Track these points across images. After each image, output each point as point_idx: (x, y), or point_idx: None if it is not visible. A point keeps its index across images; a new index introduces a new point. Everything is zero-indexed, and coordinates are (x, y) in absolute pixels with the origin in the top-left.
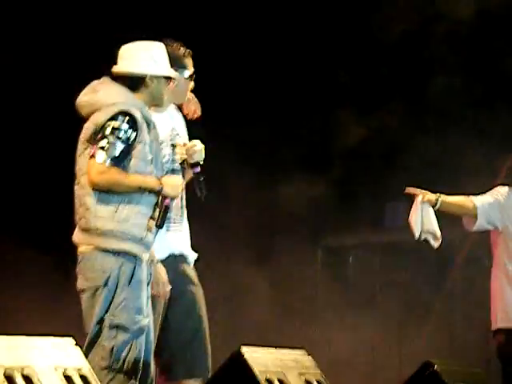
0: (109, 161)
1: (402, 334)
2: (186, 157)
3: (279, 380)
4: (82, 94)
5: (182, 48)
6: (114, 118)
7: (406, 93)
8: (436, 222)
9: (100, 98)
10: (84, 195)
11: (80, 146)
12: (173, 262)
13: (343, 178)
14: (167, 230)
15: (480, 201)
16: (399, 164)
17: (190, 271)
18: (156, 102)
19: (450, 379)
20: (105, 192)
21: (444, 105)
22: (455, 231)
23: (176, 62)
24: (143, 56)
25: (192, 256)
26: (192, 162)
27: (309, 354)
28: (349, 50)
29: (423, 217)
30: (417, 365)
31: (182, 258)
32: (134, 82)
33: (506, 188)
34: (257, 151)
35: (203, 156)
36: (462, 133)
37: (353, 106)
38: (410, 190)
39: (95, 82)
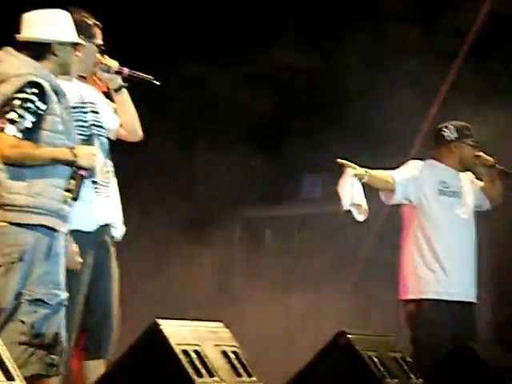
0: (19, 133)
1: (320, 304)
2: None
3: (195, 351)
4: None
5: (91, 18)
6: (21, 89)
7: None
8: (363, 195)
9: (5, 68)
10: None
11: None
12: (100, 235)
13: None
14: (95, 194)
15: (398, 175)
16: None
17: (112, 246)
18: (63, 71)
19: (361, 348)
20: (17, 166)
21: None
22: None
23: (84, 31)
24: (48, 23)
25: (120, 229)
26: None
27: (226, 327)
28: None
29: (352, 189)
30: (331, 335)
31: (108, 228)
32: (39, 51)
33: (420, 162)
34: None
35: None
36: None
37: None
38: (342, 162)
39: None
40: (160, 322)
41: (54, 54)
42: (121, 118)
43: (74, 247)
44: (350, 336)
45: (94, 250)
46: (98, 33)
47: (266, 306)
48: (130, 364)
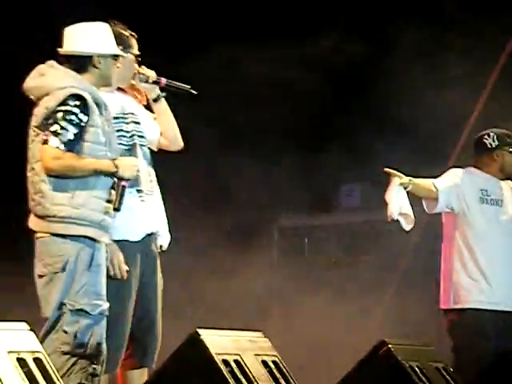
0: (62, 146)
1: (358, 314)
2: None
3: (235, 361)
4: (29, 78)
5: (127, 30)
6: (64, 102)
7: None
8: (409, 204)
9: (48, 81)
10: (39, 182)
11: (31, 133)
12: (146, 244)
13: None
14: (140, 203)
15: (441, 184)
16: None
17: (157, 255)
18: (105, 82)
19: (403, 358)
20: (60, 178)
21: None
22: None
23: (121, 42)
24: (88, 36)
25: (166, 238)
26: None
27: (265, 336)
28: None
29: (399, 198)
30: (372, 344)
31: (154, 237)
32: (80, 63)
33: (461, 170)
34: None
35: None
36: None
37: None
38: (389, 171)
39: (41, 66)
40: (200, 331)
41: (95, 67)
42: (161, 127)
43: (121, 256)
44: (390, 346)
45: (141, 260)
46: (135, 43)
47: (308, 315)
48: (171, 373)
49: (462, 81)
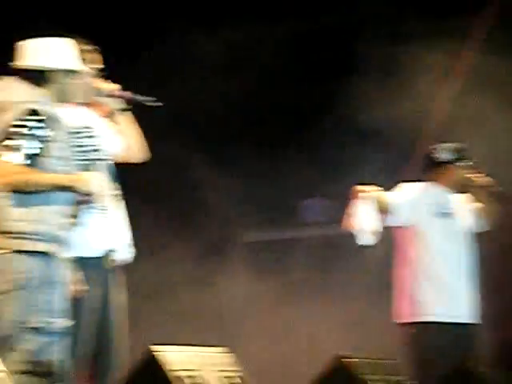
0: (20, 160)
1: (316, 327)
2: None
3: (194, 377)
4: None
5: (87, 44)
6: (22, 116)
7: None
8: (373, 220)
9: (7, 97)
10: None
11: None
12: (105, 261)
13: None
14: (99, 219)
15: (393, 197)
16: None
17: (117, 271)
18: (63, 98)
19: (363, 372)
20: (18, 193)
21: None
22: None
23: (82, 57)
24: (47, 50)
25: (127, 254)
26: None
27: (230, 352)
28: None
29: (363, 215)
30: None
31: (113, 253)
32: (39, 78)
33: (413, 184)
34: None
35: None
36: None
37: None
38: (357, 189)
39: None
40: (155, 348)
41: (54, 81)
42: (126, 139)
43: (79, 275)
44: (348, 360)
45: (100, 276)
46: (97, 58)
47: (268, 331)
48: None
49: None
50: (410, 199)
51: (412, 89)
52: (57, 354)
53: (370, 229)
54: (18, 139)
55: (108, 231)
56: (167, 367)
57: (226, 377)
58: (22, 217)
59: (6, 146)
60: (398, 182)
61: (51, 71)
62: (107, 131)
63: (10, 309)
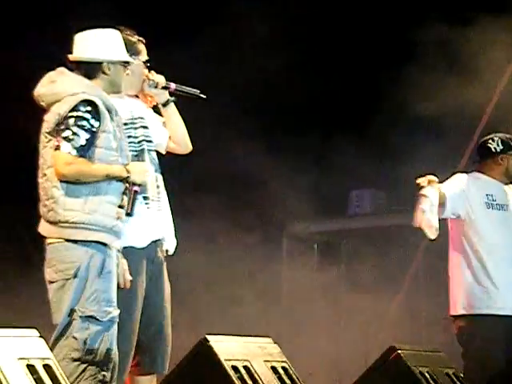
0: (74, 151)
1: (367, 319)
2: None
3: (245, 367)
4: (40, 85)
5: (135, 35)
6: (75, 107)
7: None
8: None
9: (59, 88)
10: (51, 188)
11: (43, 139)
12: (153, 251)
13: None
14: (147, 209)
15: (447, 189)
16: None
17: (163, 261)
18: (114, 89)
19: (413, 363)
20: (72, 183)
21: None
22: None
23: (129, 49)
24: (98, 42)
25: (171, 244)
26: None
27: (275, 342)
28: None
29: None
30: (382, 349)
31: (160, 243)
32: (90, 70)
33: (466, 175)
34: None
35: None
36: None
37: None
38: (422, 180)
39: (52, 73)
40: (209, 337)
41: (105, 73)
42: (170, 131)
43: (125, 265)
44: (400, 351)
45: (147, 266)
46: (143, 49)
47: (316, 321)
48: (181, 380)
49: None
50: (464, 191)
51: (473, 78)
52: (108, 342)
53: (436, 223)
54: (71, 130)
55: (154, 222)
56: (221, 356)
57: (272, 367)
58: (75, 207)
59: (61, 136)
60: (454, 173)
61: (102, 63)
62: (156, 122)
63: (64, 298)
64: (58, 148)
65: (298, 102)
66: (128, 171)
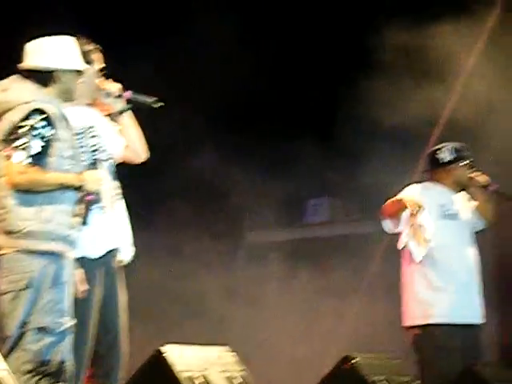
0: (27, 160)
1: (324, 328)
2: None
3: (200, 377)
4: None
5: (89, 43)
6: (28, 116)
7: None
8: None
9: (12, 96)
10: (4, 197)
11: None
12: (108, 260)
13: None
14: (102, 218)
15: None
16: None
17: (117, 271)
18: (67, 97)
19: (369, 372)
20: (26, 192)
21: None
22: (374, 225)
23: (84, 57)
24: (50, 50)
25: (128, 253)
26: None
27: (233, 351)
28: None
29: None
30: (340, 357)
31: (115, 253)
32: (43, 78)
33: (418, 186)
34: None
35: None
36: None
37: None
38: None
39: (4, 81)
40: (164, 348)
41: (57, 81)
42: (126, 140)
43: (80, 275)
44: (354, 360)
45: (102, 276)
46: (99, 57)
47: (275, 331)
48: None
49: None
50: (432, 211)
51: (432, 84)
52: (62, 353)
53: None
54: (24, 139)
55: (111, 231)
56: (176, 368)
57: (228, 377)
58: (29, 216)
59: (13, 145)
60: (409, 184)
61: (56, 71)
62: (110, 131)
63: (16, 309)
64: (9, 157)
65: (258, 111)
66: (82, 180)
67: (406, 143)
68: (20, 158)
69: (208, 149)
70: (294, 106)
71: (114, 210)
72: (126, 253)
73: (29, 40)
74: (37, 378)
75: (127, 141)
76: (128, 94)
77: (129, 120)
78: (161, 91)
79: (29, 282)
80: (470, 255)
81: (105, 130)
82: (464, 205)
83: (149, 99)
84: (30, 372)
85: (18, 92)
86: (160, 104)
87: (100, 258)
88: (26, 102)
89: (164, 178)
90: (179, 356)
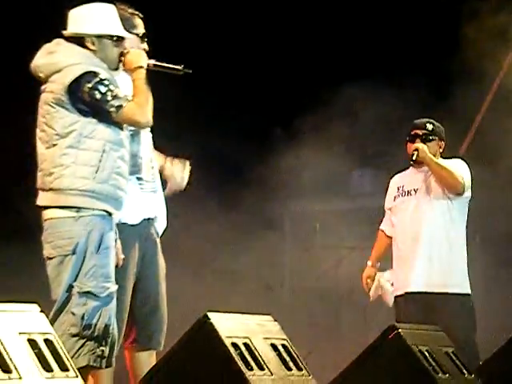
0: (122, 101)
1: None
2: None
3: (245, 344)
4: (37, 57)
5: (130, 9)
6: (82, 78)
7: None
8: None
9: (60, 58)
10: (60, 156)
11: (49, 109)
12: (145, 227)
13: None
14: (141, 190)
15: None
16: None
17: (157, 239)
18: (108, 64)
19: (412, 342)
20: (84, 151)
21: None
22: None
23: (124, 24)
24: (89, 17)
25: (161, 226)
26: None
27: (275, 320)
28: None
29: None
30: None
31: (153, 221)
32: (83, 45)
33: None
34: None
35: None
36: None
37: None
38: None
39: (48, 44)
40: (209, 314)
41: (90, 48)
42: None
43: (119, 243)
44: (400, 330)
45: (140, 243)
46: (140, 23)
47: (314, 299)
48: (180, 357)
49: None
50: (390, 192)
51: None
52: (106, 317)
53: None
54: (97, 93)
55: (147, 202)
56: (221, 334)
57: (272, 344)
58: (86, 175)
59: (98, 104)
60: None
61: (94, 37)
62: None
63: (62, 274)
64: (118, 109)
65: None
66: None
67: None
68: (119, 102)
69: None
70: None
71: (153, 181)
72: (161, 225)
73: (72, 7)
74: (82, 341)
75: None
76: (152, 62)
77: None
78: None
79: (74, 247)
80: (419, 227)
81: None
82: (426, 178)
83: (175, 66)
84: (75, 335)
85: (66, 54)
86: (187, 70)
87: (137, 225)
88: (76, 64)
89: None
90: (224, 322)
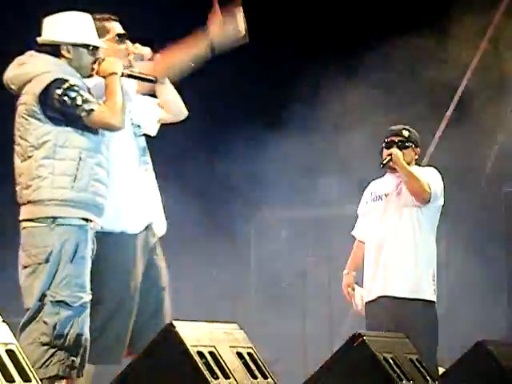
0: (93, 104)
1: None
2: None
3: (210, 353)
4: (9, 69)
5: (98, 15)
6: (50, 85)
7: None
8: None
9: (29, 69)
10: (36, 168)
11: (23, 121)
12: (146, 235)
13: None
14: (135, 193)
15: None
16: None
17: (157, 242)
18: (82, 72)
19: (377, 349)
20: (61, 161)
21: None
22: None
23: (98, 32)
24: (60, 25)
25: (162, 226)
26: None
27: (241, 328)
28: None
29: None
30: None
31: (150, 226)
32: (56, 53)
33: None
34: None
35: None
36: None
37: None
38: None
39: (21, 57)
40: (175, 323)
41: (65, 56)
42: (164, 102)
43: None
44: (365, 337)
45: (142, 251)
46: (114, 25)
47: (283, 306)
48: (147, 365)
49: None
50: (364, 198)
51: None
52: (77, 328)
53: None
54: (74, 94)
55: (144, 207)
56: (187, 342)
57: (238, 352)
58: (65, 184)
59: (74, 106)
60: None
61: (67, 45)
62: (145, 105)
63: (35, 282)
64: (90, 112)
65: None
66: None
67: None
68: (91, 106)
69: None
70: None
71: (146, 185)
72: (161, 226)
73: (46, 15)
74: (52, 350)
75: (165, 103)
76: (126, 71)
77: (166, 80)
78: None
79: (47, 255)
80: (385, 233)
81: (139, 104)
82: (396, 184)
83: (147, 76)
84: (45, 344)
85: (35, 64)
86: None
87: (138, 234)
88: (46, 72)
89: None
90: (190, 331)
